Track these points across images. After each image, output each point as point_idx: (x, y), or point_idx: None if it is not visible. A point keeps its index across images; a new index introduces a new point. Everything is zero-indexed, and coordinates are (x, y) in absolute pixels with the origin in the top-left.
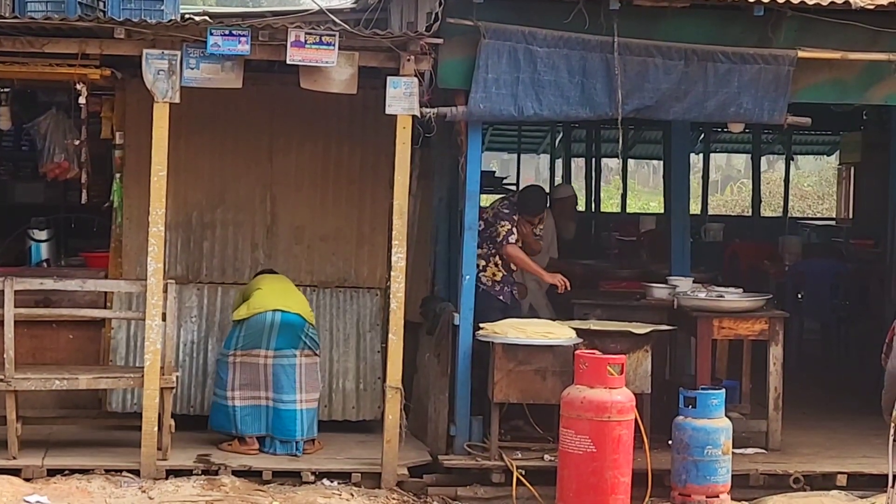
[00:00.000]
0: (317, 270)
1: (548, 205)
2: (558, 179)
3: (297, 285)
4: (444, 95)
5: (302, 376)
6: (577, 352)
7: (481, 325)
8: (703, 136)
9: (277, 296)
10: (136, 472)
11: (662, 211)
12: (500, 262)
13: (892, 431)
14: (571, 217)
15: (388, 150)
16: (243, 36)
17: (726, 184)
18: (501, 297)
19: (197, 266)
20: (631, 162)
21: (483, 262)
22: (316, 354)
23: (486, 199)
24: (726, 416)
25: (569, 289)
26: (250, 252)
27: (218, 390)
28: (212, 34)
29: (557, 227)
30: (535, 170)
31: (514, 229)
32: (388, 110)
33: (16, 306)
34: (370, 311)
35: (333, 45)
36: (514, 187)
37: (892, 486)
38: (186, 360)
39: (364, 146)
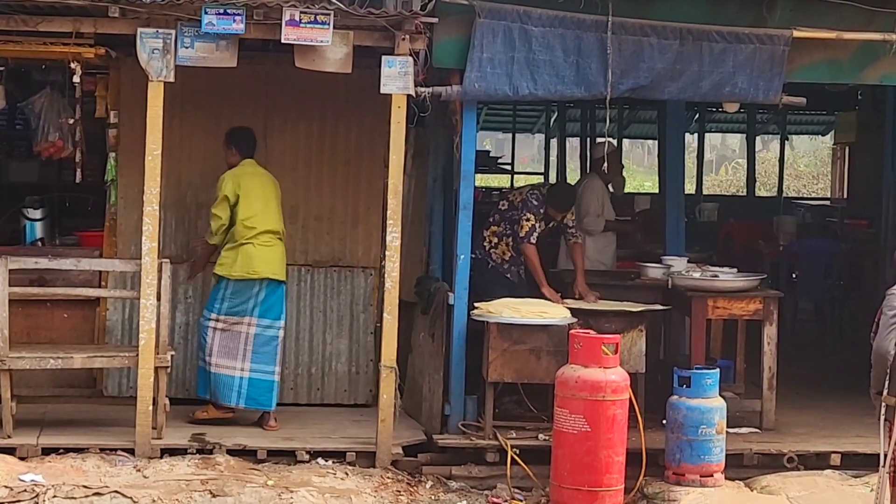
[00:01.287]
0: (311, 250)
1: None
2: (553, 159)
3: (290, 265)
4: (438, 75)
5: (280, 347)
6: (572, 331)
7: (476, 304)
8: (697, 115)
9: (268, 254)
10: (131, 451)
11: (657, 191)
12: (511, 242)
13: (881, 411)
14: (618, 171)
15: (383, 130)
16: (238, 15)
17: (721, 163)
18: (509, 276)
19: (191, 245)
20: (626, 142)
21: (496, 240)
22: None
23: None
24: (720, 395)
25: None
26: None
27: (200, 353)
28: (206, 13)
29: (606, 184)
30: (530, 149)
31: (538, 227)
32: (383, 89)
33: (10, 285)
34: (364, 291)
35: (328, 24)
36: (508, 167)
37: (884, 466)
38: (181, 343)
39: (359, 125)
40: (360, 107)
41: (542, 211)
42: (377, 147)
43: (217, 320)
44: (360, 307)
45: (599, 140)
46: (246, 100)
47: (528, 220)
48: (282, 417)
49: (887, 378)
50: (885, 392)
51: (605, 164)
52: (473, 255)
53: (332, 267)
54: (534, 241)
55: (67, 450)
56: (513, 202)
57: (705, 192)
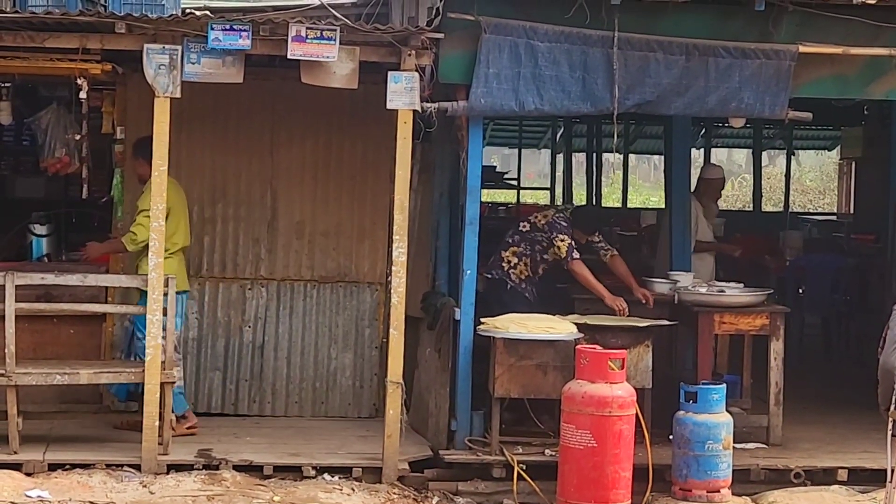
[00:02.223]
0: (317, 265)
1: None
2: (559, 175)
3: (297, 280)
4: (444, 90)
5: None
6: (578, 347)
7: (482, 319)
8: (704, 130)
9: (184, 268)
10: (137, 467)
11: (664, 206)
12: (528, 263)
13: (889, 426)
14: (714, 198)
15: (389, 145)
16: (244, 30)
17: (727, 178)
18: (527, 295)
19: (198, 261)
20: (632, 157)
21: (515, 260)
22: None
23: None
24: (727, 410)
25: (627, 314)
26: (251, 247)
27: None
28: (213, 29)
29: (703, 207)
30: (537, 164)
31: (574, 243)
32: (389, 105)
33: (17, 301)
34: (369, 306)
35: (334, 39)
36: (514, 182)
37: (891, 481)
38: (187, 358)
39: (365, 141)
40: (366, 122)
41: (571, 232)
42: (383, 162)
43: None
44: (365, 322)
45: (714, 163)
46: (252, 115)
47: (562, 240)
48: (288, 432)
49: (894, 393)
50: (892, 407)
51: (708, 188)
52: (489, 276)
53: (338, 282)
54: (577, 257)
55: (74, 465)
56: (535, 224)
57: None
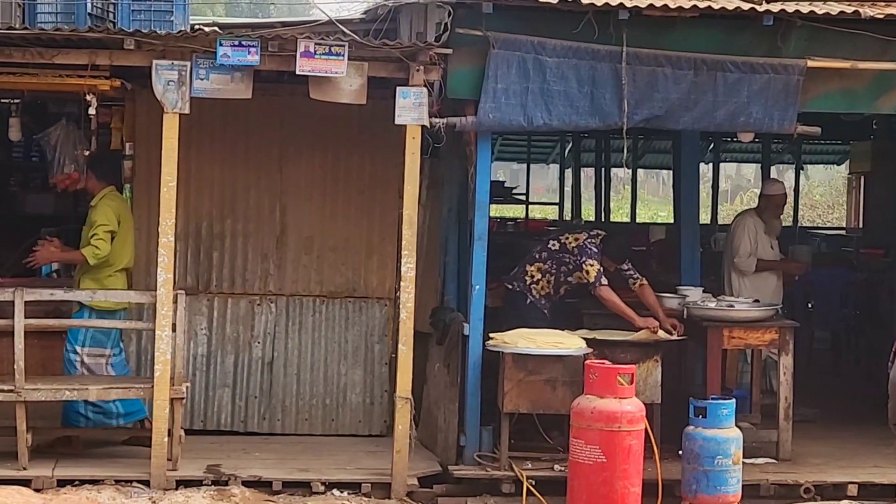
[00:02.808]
0: (326, 281)
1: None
2: (568, 190)
3: (306, 296)
4: (453, 105)
5: None
6: (587, 362)
7: (491, 334)
8: (712, 145)
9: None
10: (146, 483)
11: (672, 221)
12: (552, 281)
13: None
14: (776, 214)
15: (398, 160)
16: (253, 46)
17: (736, 193)
18: (546, 311)
19: (207, 276)
20: (640, 171)
21: (539, 276)
22: None
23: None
24: (736, 425)
25: (659, 336)
26: (260, 262)
27: None
28: (221, 45)
29: (764, 224)
30: (545, 179)
31: (602, 269)
32: (398, 120)
33: (26, 317)
34: (379, 322)
35: (343, 55)
36: (523, 197)
37: None
38: (196, 374)
39: (373, 156)
40: (374, 137)
41: (601, 257)
42: (392, 177)
43: (81, 353)
44: (374, 338)
45: (775, 179)
46: (261, 130)
47: (592, 265)
48: (297, 448)
49: None
50: None
51: (769, 204)
52: (510, 286)
53: (347, 298)
54: (606, 283)
55: (83, 481)
56: (565, 244)
57: (720, 221)
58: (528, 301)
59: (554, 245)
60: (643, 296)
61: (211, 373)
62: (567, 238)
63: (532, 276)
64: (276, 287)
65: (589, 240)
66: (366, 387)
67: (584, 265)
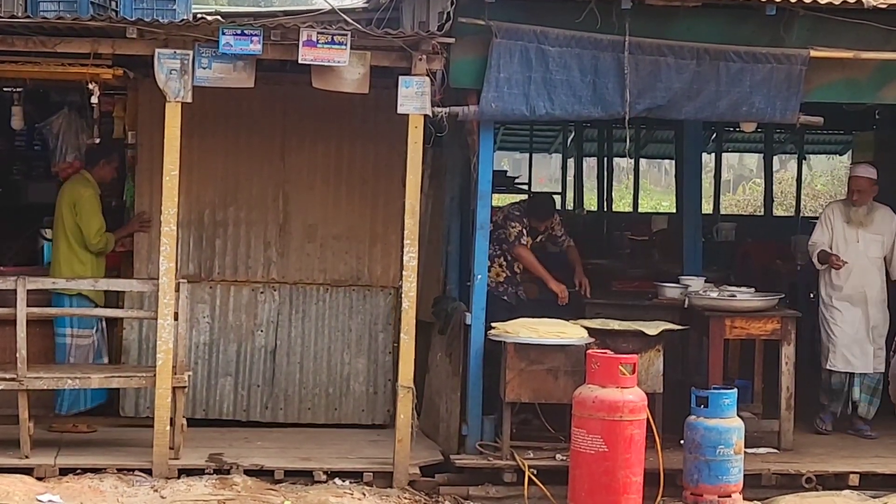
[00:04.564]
0: (330, 269)
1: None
2: (570, 179)
3: (309, 284)
4: (455, 95)
5: None
6: (589, 351)
7: (493, 324)
8: (715, 135)
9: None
10: (149, 472)
11: (674, 210)
12: (504, 262)
13: None
14: (854, 201)
15: (401, 149)
16: (255, 35)
17: (738, 183)
18: (506, 298)
19: (209, 264)
20: (643, 161)
21: (488, 263)
22: None
23: (498, 199)
24: (738, 415)
25: (566, 302)
26: (263, 250)
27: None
28: (224, 34)
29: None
30: (548, 169)
31: (525, 231)
32: (400, 110)
33: (28, 306)
34: (383, 310)
35: (345, 44)
36: (526, 186)
37: None
38: (198, 362)
39: (377, 145)
40: (377, 126)
41: (525, 220)
42: (395, 166)
43: (71, 335)
44: (378, 326)
45: (862, 163)
46: (263, 120)
47: (514, 227)
48: (299, 437)
49: None
50: None
51: (858, 191)
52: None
53: (351, 286)
54: (524, 243)
55: (85, 470)
56: (496, 222)
57: (723, 211)
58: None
59: (490, 227)
60: (569, 254)
61: (213, 361)
62: (496, 215)
63: None
64: (280, 275)
65: (511, 206)
66: (369, 376)
67: (507, 227)
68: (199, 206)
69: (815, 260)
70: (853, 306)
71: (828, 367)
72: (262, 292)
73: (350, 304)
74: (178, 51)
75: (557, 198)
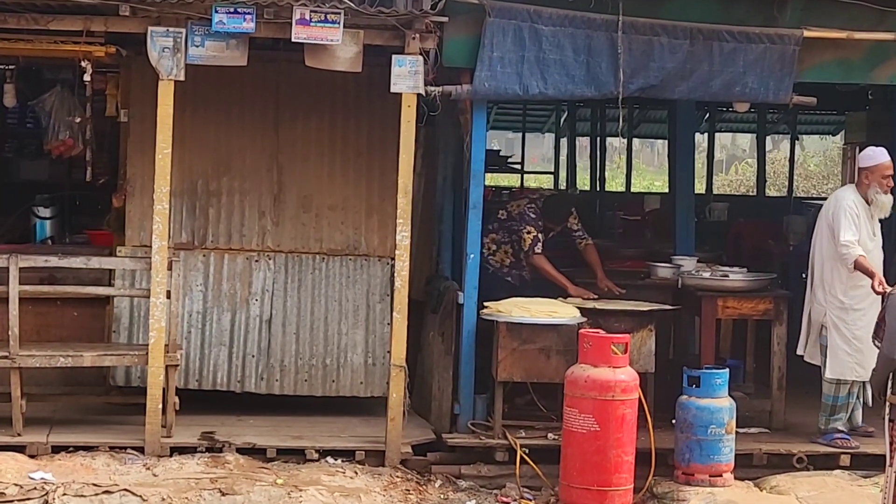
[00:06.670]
0: (325, 238)
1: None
2: (563, 159)
3: (305, 253)
4: (448, 74)
5: None
6: (582, 331)
7: (486, 303)
8: (707, 115)
9: None
10: (141, 450)
11: (667, 190)
12: (510, 250)
13: (886, 411)
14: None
15: (394, 126)
16: (248, 13)
17: (731, 163)
18: (510, 279)
19: (203, 232)
20: (636, 141)
21: (494, 247)
22: None
23: (491, 178)
24: (730, 395)
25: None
26: (258, 219)
27: None
28: (217, 12)
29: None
30: (540, 148)
31: (541, 236)
32: (394, 88)
33: (20, 284)
34: (381, 281)
35: (338, 22)
36: (518, 166)
37: (891, 465)
38: (191, 332)
39: (371, 121)
40: (370, 104)
41: (540, 223)
42: (391, 141)
43: None
44: (376, 297)
45: (875, 148)
46: (256, 97)
47: (528, 232)
48: (291, 416)
49: (889, 380)
50: (889, 392)
51: (869, 177)
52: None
53: (348, 255)
54: (539, 251)
55: (77, 448)
56: (511, 213)
57: (715, 191)
58: (490, 271)
59: (503, 214)
60: (587, 255)
61: (206, 331)
62: (511, 206)
63: (489, 248)
64: (275, 244)
65: (528, 205)
66: (367, 347)
67: (521, 232)
68: (193, 176)
69: (849, 264)
70: (870, 307)
71: (839, 378)
72: (256, 261)
73: (347, 273)
74: (170, 29)
75: (549, 177)
